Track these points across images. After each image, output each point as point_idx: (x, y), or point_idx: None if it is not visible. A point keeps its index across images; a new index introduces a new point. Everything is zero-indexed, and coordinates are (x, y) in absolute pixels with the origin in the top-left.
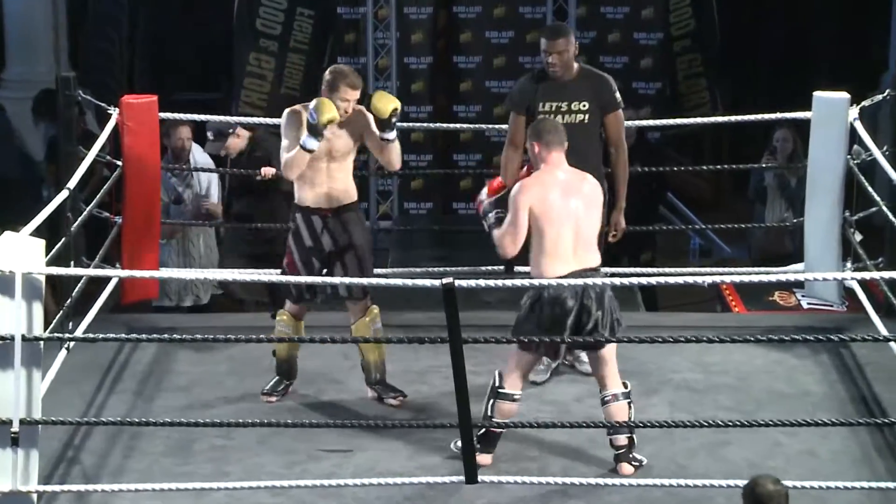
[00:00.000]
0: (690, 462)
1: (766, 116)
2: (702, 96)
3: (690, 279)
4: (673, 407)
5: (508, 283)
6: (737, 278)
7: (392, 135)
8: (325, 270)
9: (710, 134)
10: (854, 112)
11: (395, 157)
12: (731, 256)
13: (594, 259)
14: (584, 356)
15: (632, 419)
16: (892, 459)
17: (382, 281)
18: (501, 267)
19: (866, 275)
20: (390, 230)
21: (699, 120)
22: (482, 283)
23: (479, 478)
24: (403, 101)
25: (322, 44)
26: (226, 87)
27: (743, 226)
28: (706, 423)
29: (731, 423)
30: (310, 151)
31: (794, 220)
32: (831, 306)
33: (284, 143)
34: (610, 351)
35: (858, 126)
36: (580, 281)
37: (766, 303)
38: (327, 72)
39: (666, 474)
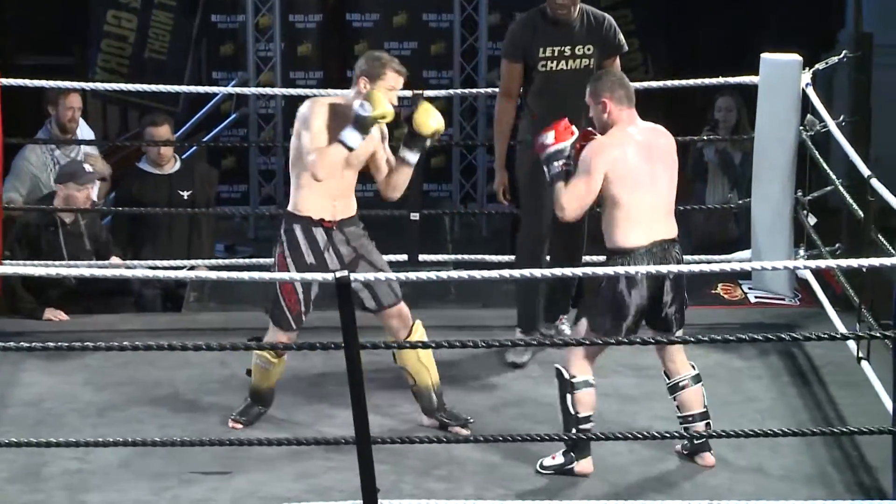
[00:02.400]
0: (623, 479)
1: (707, 81)
2: (633, 58)
3: (621, 270)
4: (600, 417)
5: (413, 275)
6: (675, 268)
7: (415, 158)
8: None
9: (642, 102)
10: (806, 77)
11: (402, 184)
12: None
13: (672, 228)
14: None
15: (706, 404)
16: (850, 474)
17: (266, 275)
18: (405, 257)
19: (821, 263)
20: (276, 215)
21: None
22: (382, 276)
23: (381, 502)
24: (289, 65)
25: None
26: (80, 50)
27: (680, 208)
28: (640, 436)
29: (668, 435)
30: (350, 149)
31: (740, 202)
32: (782, 300)
33: (308, 138)
34: (680, 333)
35: (811, 93)
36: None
37: (708, 296)
38: (362, 59)
39: (595, 494)
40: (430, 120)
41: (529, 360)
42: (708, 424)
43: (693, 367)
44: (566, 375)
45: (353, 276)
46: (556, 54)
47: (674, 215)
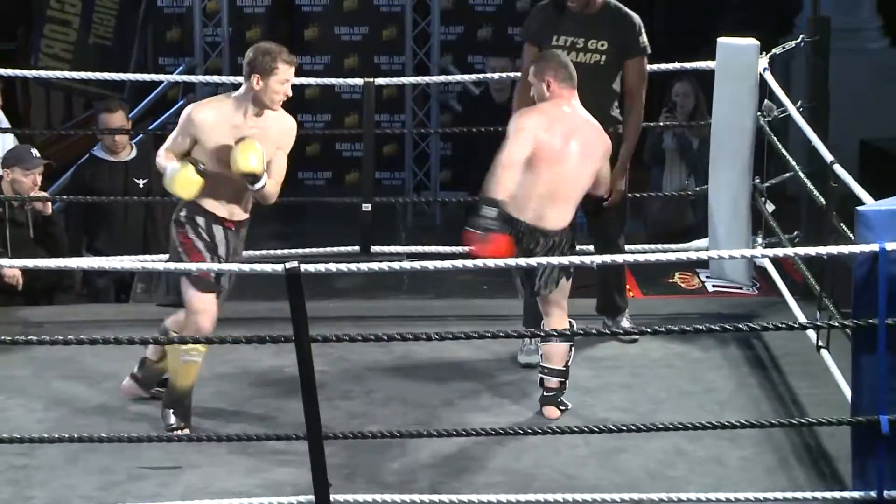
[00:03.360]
0: (579, 472)
1: (663, 67)
2: None
3: (576, 260)
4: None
5: (364, 267)
6: (630, 257)
7: (259, 185)
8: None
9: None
10: (764, 61)
11: (270, 199)
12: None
13: (558, 220)
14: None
15: (569, 364)
16: (811, 466)
17: (214, 266)
18: (357, 248)
19: (780, 252)
20: None
21: None
22: (333, 267)
23: (332, 497)
24: (237, 51)
25: None
26: (23, 35)
27: (637, 195)
28: (596, 428)
29: (625, 427)
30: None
31: (697, 189)
32: (740, 289)
33: (168, 143)
34: (555, 296)
35: (769, 78)
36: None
37: (666, 285)
38: (251, 52)
39: (552, 487)
40: (244, 160)
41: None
42: (562, 383)
43: (571, 324)
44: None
45: (303, 267)
46: (567, 44)
47: (570, 209)
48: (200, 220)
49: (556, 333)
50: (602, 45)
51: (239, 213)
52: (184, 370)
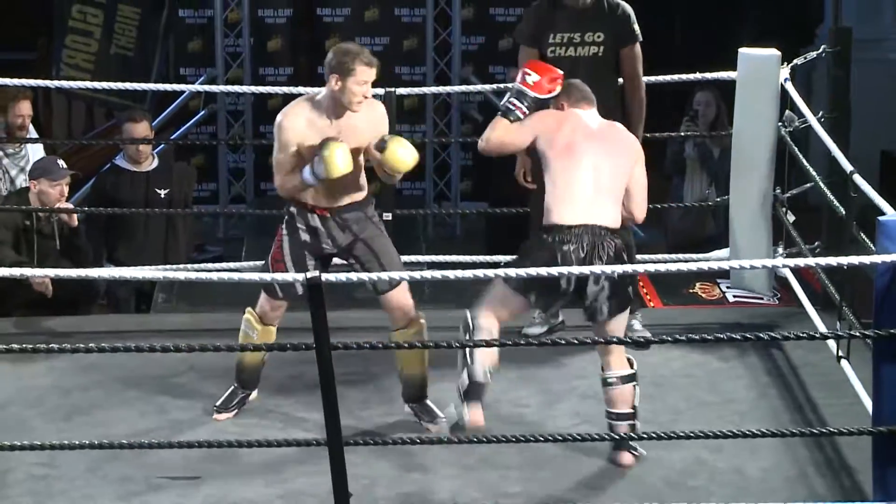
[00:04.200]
0: (599, 482)
1: (685, 77)
2: None
3: (597, 269)
4: (578, 418)
5: (385, 275)
6: (651, 267)
7: (396, 180)
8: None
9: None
10: (785, 72)
11: (395, 179)
12: (644, 241)
13: (607, 216)
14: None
15: (636, 405)
16: (831, 476)
17: (235, 275)
18: None
19: (801, 261)
20: (245, 215)
21: None
22: (354, 276)
23: None
24: (258, 61)
25: None
26: (44, 45)
27: (658, 205)
28: (617, 437)
29: (645, 437)
30: (311, 185)
31: (718, 199)
32: (761, 299)
33: (274, 155)
34: (616, 326)
35: (790, 88)
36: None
37: (686, 296)
38: (331, 53)
39: (572, 497)
40: (403, 160)
41: (543, 334)
42: (632, 426)
43: (632, 365)
44: (469, 319)
45: (324, 276)
46: (565, 40)
47: (614, 205)
48: (294, 211)
49: (575, 341)
50: (599, 37)
51: (338, 201)
52: (242, 339)
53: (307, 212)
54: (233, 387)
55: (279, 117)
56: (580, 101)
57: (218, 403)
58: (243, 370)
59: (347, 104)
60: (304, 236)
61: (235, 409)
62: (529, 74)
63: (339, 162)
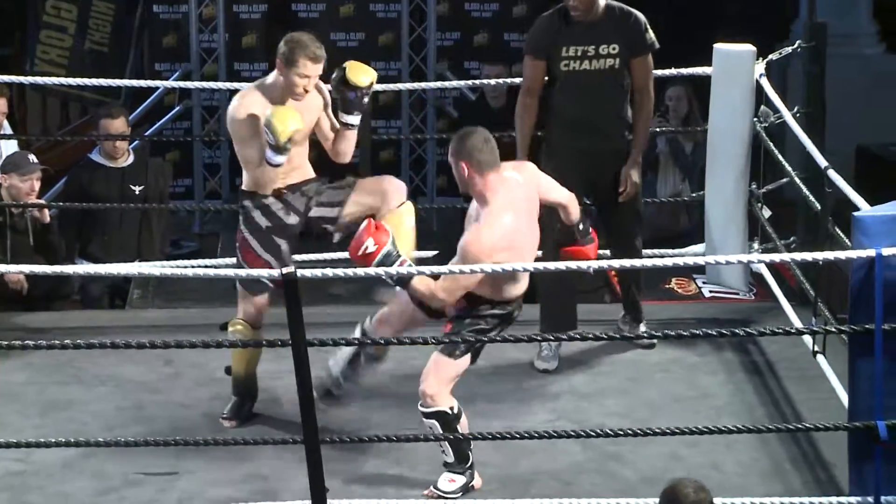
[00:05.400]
0: (576, 478)
1: (659, 72)
2: None
3: (572, 265)
4: (554, 414)
5: (361, 272)
6: (627, 262)
7: (357, 119)
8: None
9: None
10: (760, 67)
11: (351, 146)
12: None
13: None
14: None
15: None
16: (807, 471)
17: (211, 272)
18: None
19: (776, 257)
20: (220, 210)
21: None
22: (330, 272)
23: (330, 502)
24: (234, 57)
25: None
26: (18, 40)
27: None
28: (593, 433)
29: (621, 433)
30: (277, 166)
31: (692, 194)
32: (736, 294)
33: (244, 151)
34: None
35: (765, 83)
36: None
37: (661, 291)
38: (282, 42)
39: (548, 493)
40: (361, 75)
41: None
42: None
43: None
44: (447, 411)
45: (299, 272)
46: (579, 54)
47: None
48: (249, 204)
49: (550, 338)
50: (614, 49)
51: (291, 181)
52: (235, 354)
53: (262, 198)
54: (235, 399)
55: (231, 112)
56: (484, 165)
57: (226, 412)
58: (240, 381)
59: (288, 93)
60: (265, 222)
61: (243, 421)
62: (364, 245)
63: (287, 120)
